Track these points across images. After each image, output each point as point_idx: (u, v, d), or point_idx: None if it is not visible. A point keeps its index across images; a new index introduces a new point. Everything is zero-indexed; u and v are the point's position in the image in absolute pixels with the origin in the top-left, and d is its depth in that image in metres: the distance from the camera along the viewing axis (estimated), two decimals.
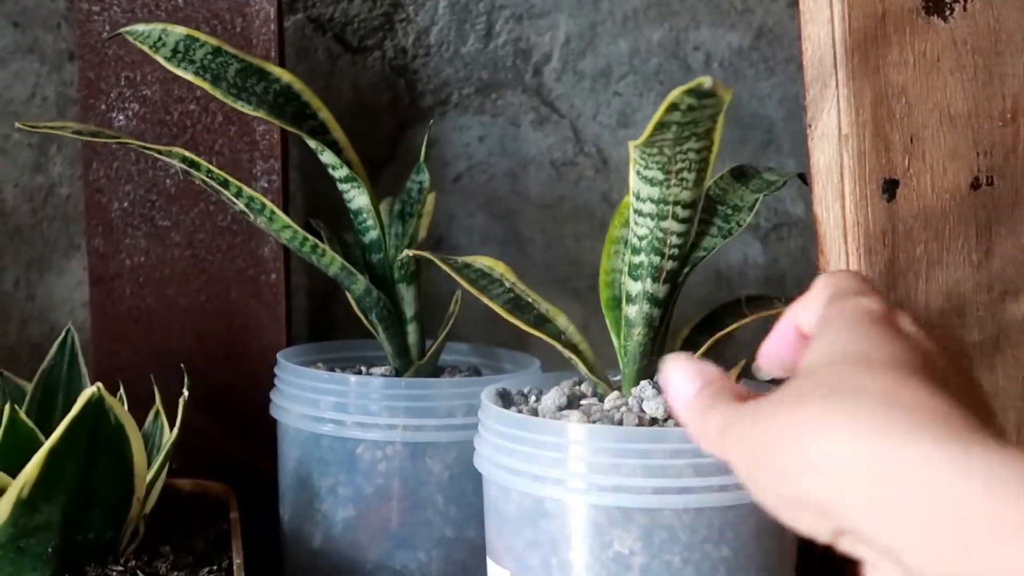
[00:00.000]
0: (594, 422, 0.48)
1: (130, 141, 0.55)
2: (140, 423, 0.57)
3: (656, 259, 0.48)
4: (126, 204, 0.68)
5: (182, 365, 0.56)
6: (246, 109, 0.56)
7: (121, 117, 0.67)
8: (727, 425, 0.34)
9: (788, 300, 0.40)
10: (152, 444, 0.54)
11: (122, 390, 0.54)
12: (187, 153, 0.55)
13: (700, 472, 0.44)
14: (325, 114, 0.60)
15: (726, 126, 0.96)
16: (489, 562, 0.50)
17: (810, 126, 0.54)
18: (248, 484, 0.65)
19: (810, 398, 0.30)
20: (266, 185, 0.68)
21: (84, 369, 0.57)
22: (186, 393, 0.51)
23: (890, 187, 0.52)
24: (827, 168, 0.53)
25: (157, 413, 0.57)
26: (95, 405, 0.43)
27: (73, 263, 0.76)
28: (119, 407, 0.45)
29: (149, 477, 0.50)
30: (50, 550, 0.47)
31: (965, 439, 0.27)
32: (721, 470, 0.44)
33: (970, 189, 0.53)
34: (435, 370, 0.63)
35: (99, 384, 0.43)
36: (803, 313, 0.39)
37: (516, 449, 0.47)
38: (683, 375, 0.39)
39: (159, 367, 0.63)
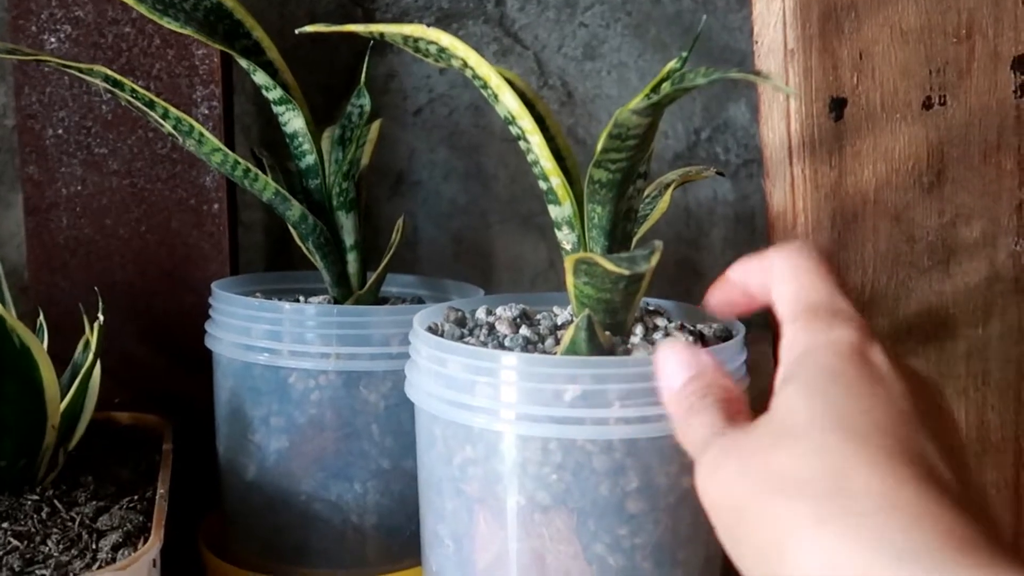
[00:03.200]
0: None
1: (48, 58, 0.52)
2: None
3: None
4: (60, 131, 0.65)
5: (113, 295, 0.54)
6: (172, 26, 0.53)
7: (53, 40, 0.64)
8: (710, 454, 0.33)
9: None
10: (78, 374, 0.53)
11: (42, 317, 0.52)
12: (109, 72, 0.53)
13: (634, 404, 0.43)
14: (259, 33, 0.58)
15: (696, 59, 0.94)
16: (420, 492, 0.49)
17: (757, 42, 0.51)
18: (189, 416, 0.64)
19: (802, 492, 0.28)
20: (207, 111, 0.66)
21: (8, 296, 0.56)
22: (101, 318, 0.49)
23: (837, 105, 0.50)
24: (772, 86, 0.51)
25: (87, 343, 0.55)
26: None
27: (20, 196, 0.74)
28: (23, 329, 0.43)
29: (67, 403, 0.49)
30: None
31: (966, 563, 0.25)
32: (651, 402, 0.43)
33: (922, 108, 0.51)
34: (379, 301, 0.62)
35: None
36: (754, 275, 0.38)
37: (477, 384, 0.44)
38: (674, 363, 0.38)
39: (97, 299, 0.61)
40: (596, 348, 0.44)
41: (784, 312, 0.35)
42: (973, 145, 0.51)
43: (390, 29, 0.44)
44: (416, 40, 0.45)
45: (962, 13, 0.51)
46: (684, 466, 0.44)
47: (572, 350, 0.44)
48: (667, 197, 0.56)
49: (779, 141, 0.51)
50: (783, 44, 0.50)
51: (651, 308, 0.53)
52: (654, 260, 0.41)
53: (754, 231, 0.91)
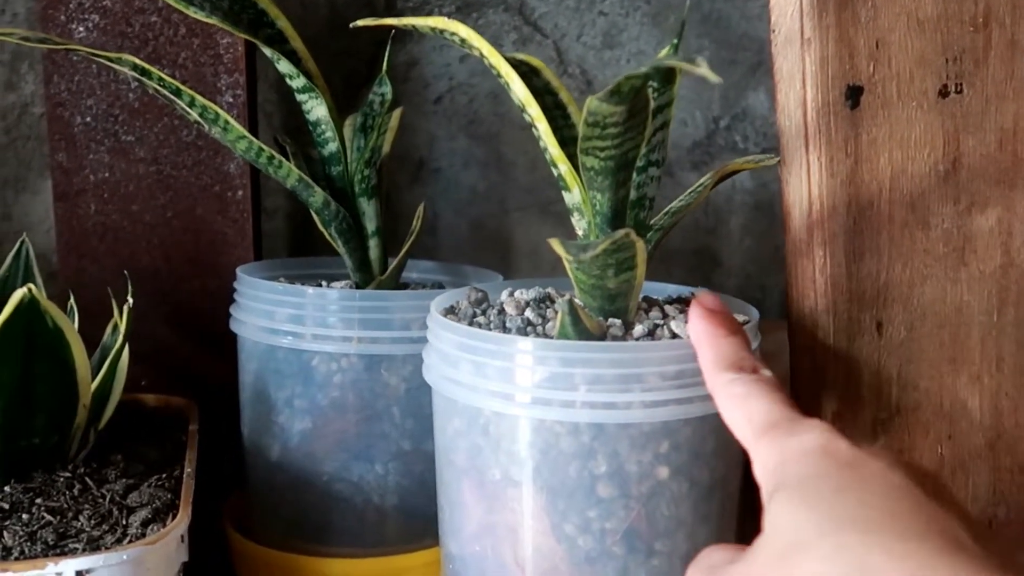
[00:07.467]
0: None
1: (78, 47, 0.54)
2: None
3: None
4: (88, 119, 0.67)
5: (139, 280, 0.55)
6: (199, 15, 0.54)
7: (81, 29, 0.65)
8: None
9: None
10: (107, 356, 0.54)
11: (72, 300, 0.54)
12: (137, 60, 0.54)
13: (647, 387, 0.44)
14: (283, 23, 0.59)
15: (715, 47, 0.94)
16: (438, 474, 0.50)
17: (774, 31, 0.52)
18: (215, 399, 0.66)
19: None
20: (231, 99, 0.67)
21: (39, 280, 0.57)
22: (130, 301, 0.50)
23: (854, 94, 0.51)
24: (789, 74, 0.51)
25: (115, 326, 0.57)
26: (28, 307, 0.43)
27: (48, 182, 0.76)
28: (56, 311, 0.44)
29: (97, 384, 0.50)
30: None
31: None
32: (668, 385, 0.44)
33: (938, 97, 0.51)
34: (399, 286, 0.63)
35: (31, 286, 0.43)
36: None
37: (462, 361, 0.46)
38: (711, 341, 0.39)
39: (125, 284, 0.62)
40: (583, 332, 0.45)
41: (744, 437, 0.36)
42: (989, 133, 0.52)
43: (419, 22, 0.48)
44: (441, 31, 0.47)
45: (979, 2, 0.51)
46: (657, 455, 0.44)
47: (563, 334, 0.45)
48: (707, 189, 0.55)
49: (795, 129, 0.51)
50: (800, 33, 0.50)
51: (675, 296, 0.54)
52: (600, 248, 0.42)
53: (772, 219, 0.92)
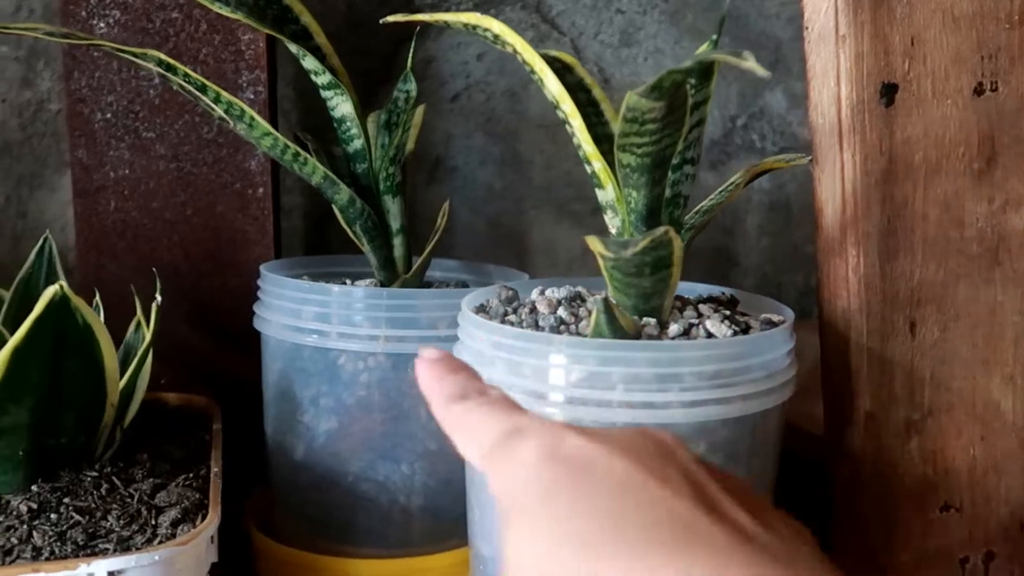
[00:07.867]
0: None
1: (102, 43, 0.53)
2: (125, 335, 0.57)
3: None
4: (109, 115, 0.66)
5: (160, 278, 0.55)
6: (224, 11, 0.54)
7: (102, 24, 0.65)
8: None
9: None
10: (132, 354, 0.53)
11: (98, 297, 0.53)
12: (163, 56, 0.54)
13: (685, 387, 0.43)
14: (308, 19, 0.59)
15: (733, 45, 0.94)
16: (468, 475, 0.50)
17: (807, 27, 0.51)
18: (236, 397, 0.65)
19: None
20: (252, 96, 0.66)
21: (62, 276, 0.56)
22: (159, 298, 0.50)
23: (889, 91, 0.50)
24: (823, 71, 0.51)
25: (139, 324, 0.56)
26: (59, 305, 0.42)
27: (64, 179, 0.75)
28: (86, 308, 0.44)
29: (123, 382, 0.49)
30: (21, 453, 0.46)
31: None
32: (706, 384, 0.43)
33: (973, 95, 0.51)
34: (423, 285, 0.62)
35: (62, 283, 0.42)
36: None
37: (497, 360, 0.45)
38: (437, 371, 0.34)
39: (146, 281, 0.62)
40: (618, 331, 0.45)
41: (479, 464, 0.32)
42: None
43: (451, 18, 0.48)
44: (474, 27, 0.46)
45: None
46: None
47: (598, 332, 0.45)
48: (739, 188, 0.55)
49: (829, 127, 0.51)
50: (835, 30, 0.50)
51: (706, 296, 0.53)
52: (641, 245, 0.41)
53: (789, 219, 0.91)
